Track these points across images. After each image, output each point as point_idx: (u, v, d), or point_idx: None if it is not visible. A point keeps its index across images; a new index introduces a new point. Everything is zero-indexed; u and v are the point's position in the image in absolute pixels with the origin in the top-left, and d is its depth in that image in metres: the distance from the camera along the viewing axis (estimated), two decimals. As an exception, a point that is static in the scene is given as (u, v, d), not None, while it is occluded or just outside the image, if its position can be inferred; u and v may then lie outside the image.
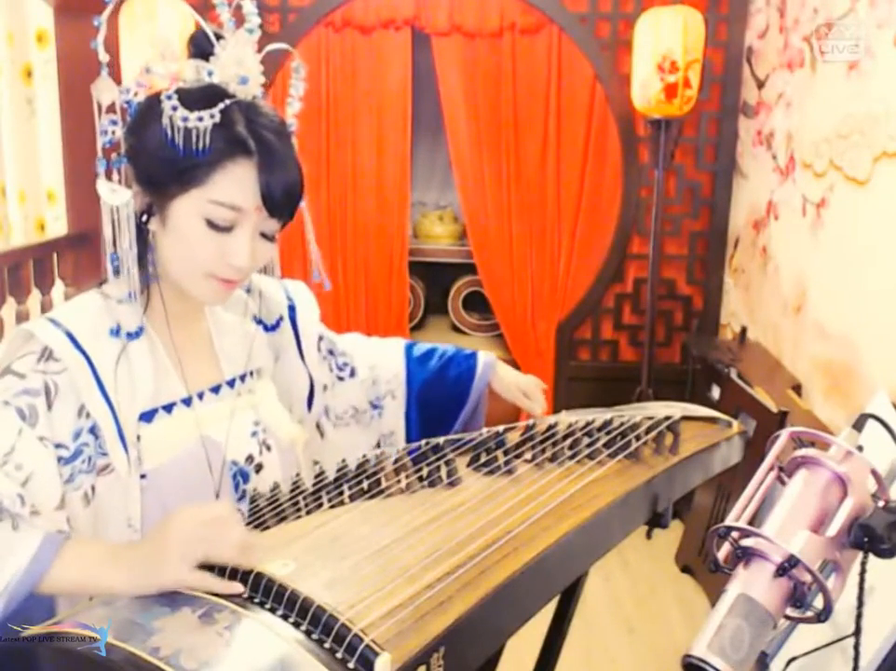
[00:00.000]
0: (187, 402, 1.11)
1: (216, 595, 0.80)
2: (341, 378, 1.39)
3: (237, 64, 1.03)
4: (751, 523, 0.83)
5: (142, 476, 1.04)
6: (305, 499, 1.04)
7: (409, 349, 1.46)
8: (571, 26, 3.36)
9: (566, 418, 1.29)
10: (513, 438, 1.20)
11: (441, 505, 0.99)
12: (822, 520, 0.81)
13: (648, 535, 3.15)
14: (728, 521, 0.83)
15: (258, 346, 1.23)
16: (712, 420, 1.46)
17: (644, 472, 1.18)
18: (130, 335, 1.05)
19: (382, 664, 0.72)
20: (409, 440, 1.39)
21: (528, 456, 1.16)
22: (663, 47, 3.01)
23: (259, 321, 1.24)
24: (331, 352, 1.38)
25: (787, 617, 0.81)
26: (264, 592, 0.79)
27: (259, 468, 1.15)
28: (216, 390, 1.15)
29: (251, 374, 1.21)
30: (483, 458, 1.13)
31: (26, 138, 3.60)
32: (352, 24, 3.38)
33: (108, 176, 1.04)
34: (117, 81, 1.02)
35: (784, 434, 0.90)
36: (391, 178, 3.52)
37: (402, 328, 3.69)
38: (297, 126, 1.12)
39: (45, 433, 0.97)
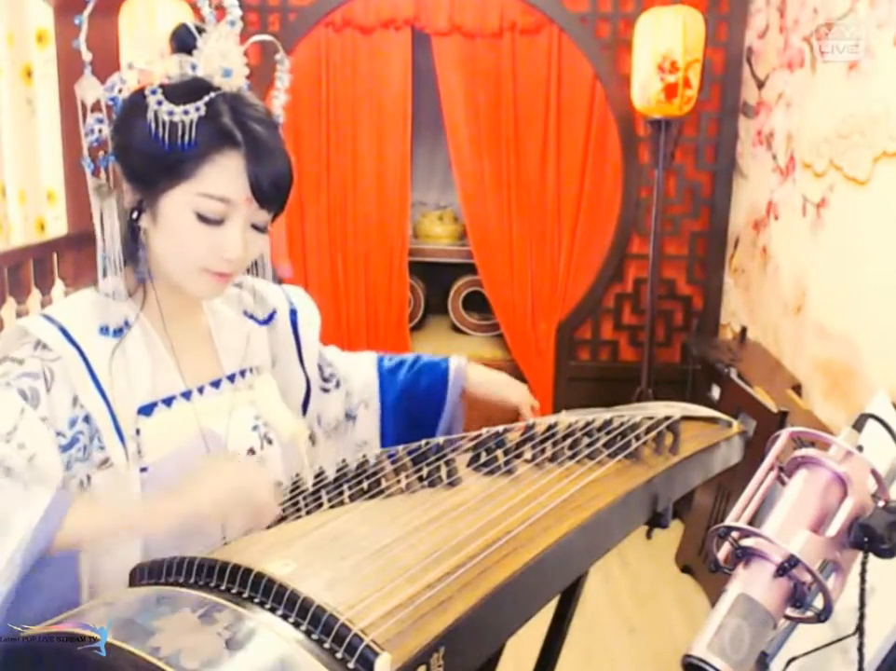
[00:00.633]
0: (187, 395, 1.11)
1: (216, 594, 0.80)
2: (326, 390, 1.39)
3: (220, 57, 1.03)
4: (751, 523, 0.83)
5: (143, 470, 1.04)
6: (304, 498, 1.04)
7: (380, 360, 1.46)
8: (571, 26, 3.36)
9: (566, 418, 1.29)
10: (513, 438, 1.20)
11: (441, 505, 0.99)
12: (822, 520, 0.81)
13: (648, 535, 3.14)
14: (728, 521, 0.83)
15: (256, 341, 1.23)
16: (712, 420, 1.46)
17: (644, 472, 1.18)
18: (121, 331, 1.05)
19: (382, 664, 0.72)
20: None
21: (528, 456, 1.16)
22: (663, 47, 3.01)
23: (251, 316, 1.24)
24: (319, 365, 1.38)
25: (787, 617, 0.81)
26: (264, 592, 0.79)
27: (260, 462, 1.15)
28: (216, 384, 1.15)
29: (251, 370, 1.21)
30: (483, 458, 1.13)
31: (26, 138, 3.60)
32: (352, 24, 3.38)
33: (96, 175, 1.04)
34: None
35: (784, 434, 0.90)
36: (391, 178, 3.53)
37: (402, 328, 3.70)
38: (292, 121, 1.12)
39: (46, 414, 0.98)
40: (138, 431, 1.04)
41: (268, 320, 1.25)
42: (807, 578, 0.77)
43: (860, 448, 0.85)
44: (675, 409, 1.37)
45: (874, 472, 0.85)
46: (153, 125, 0.99)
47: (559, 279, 3.59)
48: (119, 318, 1.06)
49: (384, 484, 1.05)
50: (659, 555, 3.09)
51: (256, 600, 0.79)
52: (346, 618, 0.75)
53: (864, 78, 2.38)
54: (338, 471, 1.11)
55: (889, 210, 2.23)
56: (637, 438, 1.23)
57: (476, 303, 4.02)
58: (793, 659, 1.09)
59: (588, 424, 1.26)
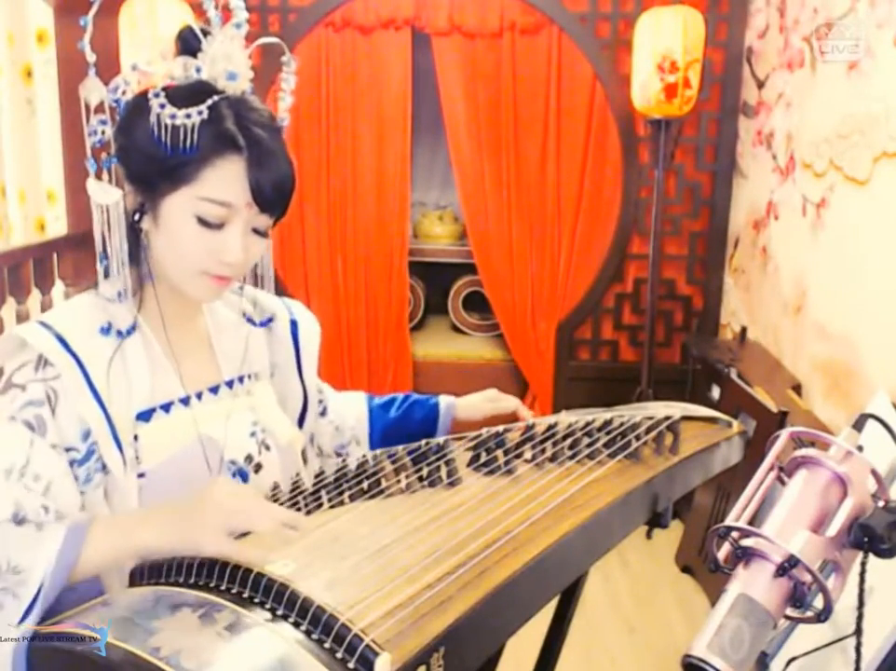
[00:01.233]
0: (185, 401, 1.10)
1: (216, 594, 0.80)
2: (322, 414, 1.38)
3: (225, 60, 1.03)
4: (751, 523, 0.83)
5: (141, 475, 1.04)
6: (305, 499, 1.03)
7: (370, 397, 1.46)
8: (571, 26, 3.36)
9: (566, 418, 1.29)
10: (513, 438, 1.20)
11: (441, 505, 0.99)
12: (822, 520, 0.81)
13: (648, 535, 3.15)
14: (728, 521, 0.83)
15: (255, 347, 1.22)
16: (712, 420, 1.46)
17: (644, 472, 1.18)
18: (121, 334, 1.05)
19: (382, 663, 0.72)
20: None
21: (528, 456, 1.16)
22: (663, 47, 3.01)
23: (248, 319, 1.23)
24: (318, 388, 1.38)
25: (787, 617, 0.81)
26: (264, 592, 0.79)
27: (258, 468, 1.15)
28: (215, 390, 1.15)
29: (250, 376, 1.20)
30: (483, 458, 1.13)
31: (26, 138, 3.60)
32: (352, 24, 3.38)
33: (98, 176, 1.04)
34: (116, 82, 1.02)
35: (784, 434, 0.90)
36: (391, 178, 3.52)
37: (402, 328, 3.70)
38: (292, 121, 1.12)
39: (55, 440, 0.98)
40: (136, 437, 1.04)
41: (266, 322, 1.24)
42: (807, 578, 0.77)
43: (860, 448, 0.85)
44: (675, 409, 1.37)
45: (874, 472, 0.85)
46: (155, 128, 0.99)
47: (559, 279, 3.59)
48: (120, 321, 1.05)
49: (384, 484, 1.05)
50: (659, 555, 3.09)
51: (256, 600, 0.79)
52: (346, 618, 0.75)
53: (864, 78, 2.38)
54: (338, 471, 1.10)
55: (889, 210, 2.23)
56: (637, 438, 1.23)
57: (476, 303, 4.02)
58: (793, 659, 1.10)
59: (588, 424, 1.25)
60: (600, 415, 1.31)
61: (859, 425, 0.88)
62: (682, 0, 3.08)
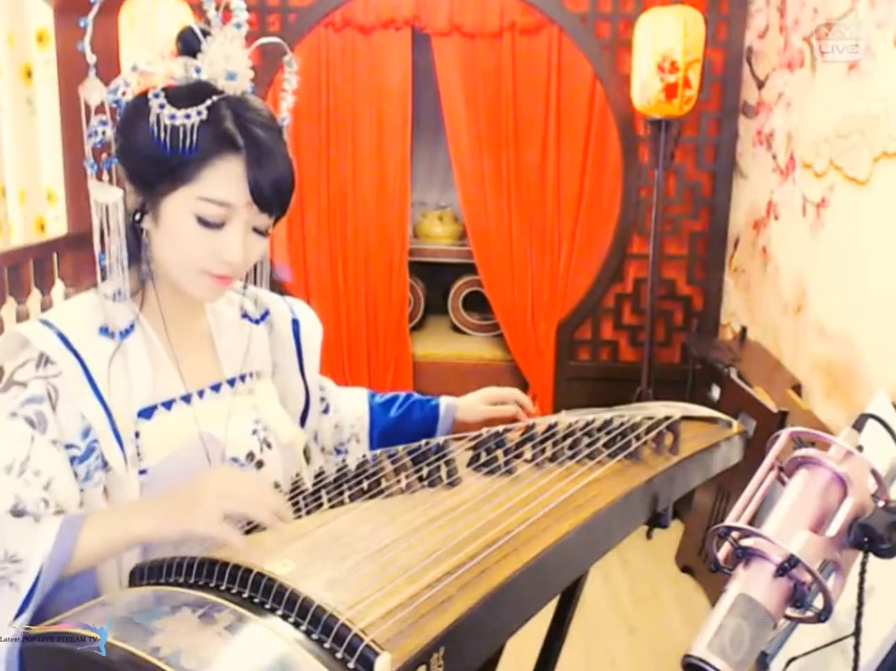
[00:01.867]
0: (187, 399, 1.11)
1: (216, 594, 0.80)
2: (325, 411, 1.39)
3: (224, 60, 1.03)
4: (751, 523, 0.83)
5: (143, 472, 1.04)
6: (305, 499, 1.04)
7: (371, 395, 1.46)
8: (571, 26, 3.36)
9: (566, 418, 1.29)
10: (513, 438, 1.20)
11: (441, 505, 0.99)
12: (822, 520, 0.81)
13: (648, 535, 3.15)
14: (728, 521, 0.83)
15: (256, 345, 1.23)
16: (712, 420, 1.46)
17: (644, 472, 1.18)
18: (121, 334, 1.05)
19: (382, 663, 0.72)
20: None
21: (528, 456, 1.16)
22: (663, 47, 3.01)
23: (245, 316, 1.23)
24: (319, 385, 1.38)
25: (787, 617, 0.81)
26: (264, 592, 0.79)
27: (260, 465, 1.15)
28: (216, 388, 1.15)
29: (251, 374, 1.21)
30: (483, 458, 1.13)
31: (26, 138, 3.61)
32: (352, 24, 3.38)
33: (98, 177, 1.04)
34: (116, 82, 1.02)
35: (784, 434, 0.90)
36: (391, 178, 3.52)
37: (402, 328, 3.70)
38: (292, 121, 1.12)
39: (55, 437, 0.99)
40: (137, 434, 1.04)
41: (263, 317, 1.25)
42: (807, 578, 0.77)
43: (860, 448, 0.85)
44: (675, 409, 1.37)
45: (874, 472, 0.85)
46: (155, 128, 0.99)
47: (559, 279, 3.59)
48: (120, 320, 1.06)
49: (384, 484, 1.05)
50: (659, 555, 3.09)
51: (256, 600, 0.79)
52: (346, 618, 0.75)
53: (864, 78, 2.38)
54: (338, 471, 1.11)
55: (889, 210, 2.23)
56: (637, 438, 1.23)
57: (476, 303, 4.02)
58: (793, 659, 1.09)
59: (588, 424, 1.26)
60: (600, 415, 1.31)
61: (859, 425, 0.88)
62: (682, 0, 3.08)
